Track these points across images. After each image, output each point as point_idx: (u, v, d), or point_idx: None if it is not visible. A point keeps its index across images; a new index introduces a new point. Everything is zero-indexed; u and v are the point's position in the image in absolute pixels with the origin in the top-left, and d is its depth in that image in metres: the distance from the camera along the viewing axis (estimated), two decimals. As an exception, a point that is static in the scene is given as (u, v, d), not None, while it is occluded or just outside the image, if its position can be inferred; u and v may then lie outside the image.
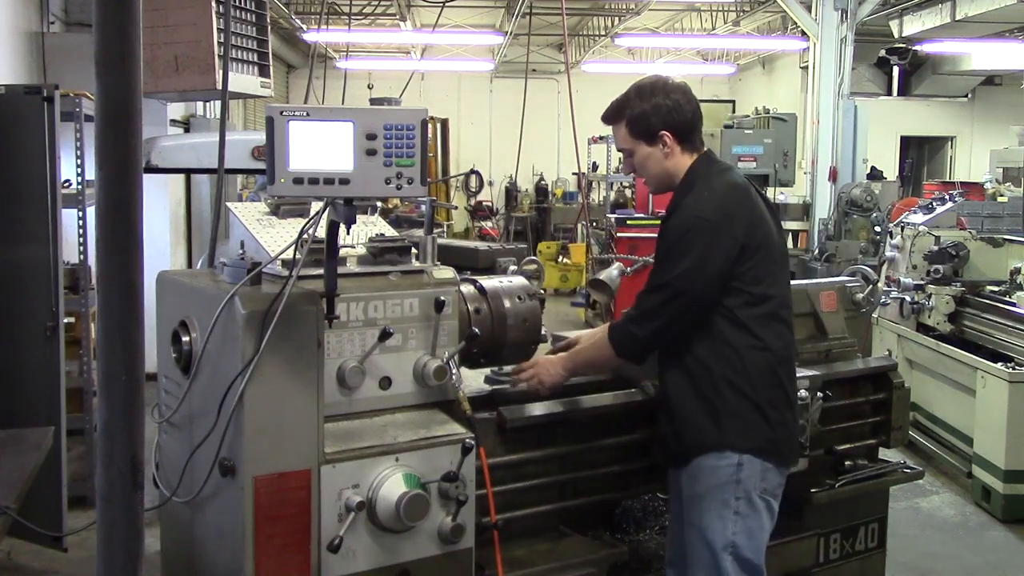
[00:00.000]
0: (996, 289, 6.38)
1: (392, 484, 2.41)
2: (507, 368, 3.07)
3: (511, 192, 19.15)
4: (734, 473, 2.68)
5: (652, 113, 2.78)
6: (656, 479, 3.14)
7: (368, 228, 2.83)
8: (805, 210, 11.09)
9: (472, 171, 18.02)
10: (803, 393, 3.10)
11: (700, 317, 2.71)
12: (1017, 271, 6.33)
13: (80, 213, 4.85)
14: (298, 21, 13.87)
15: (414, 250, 2.72)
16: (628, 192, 14.92)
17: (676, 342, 2.76)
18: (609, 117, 2.88)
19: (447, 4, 10.17)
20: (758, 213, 2.79)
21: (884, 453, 3.91)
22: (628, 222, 10.06)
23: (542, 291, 3.07)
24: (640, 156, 2.84)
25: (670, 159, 2.82)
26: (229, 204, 2.98)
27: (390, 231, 2.90)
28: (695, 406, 2.73)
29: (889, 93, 16.37)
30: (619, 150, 2.93)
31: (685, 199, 2.76)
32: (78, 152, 4.98)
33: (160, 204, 7.67)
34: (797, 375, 3.17)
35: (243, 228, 2.78)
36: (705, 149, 2.88)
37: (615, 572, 3.02)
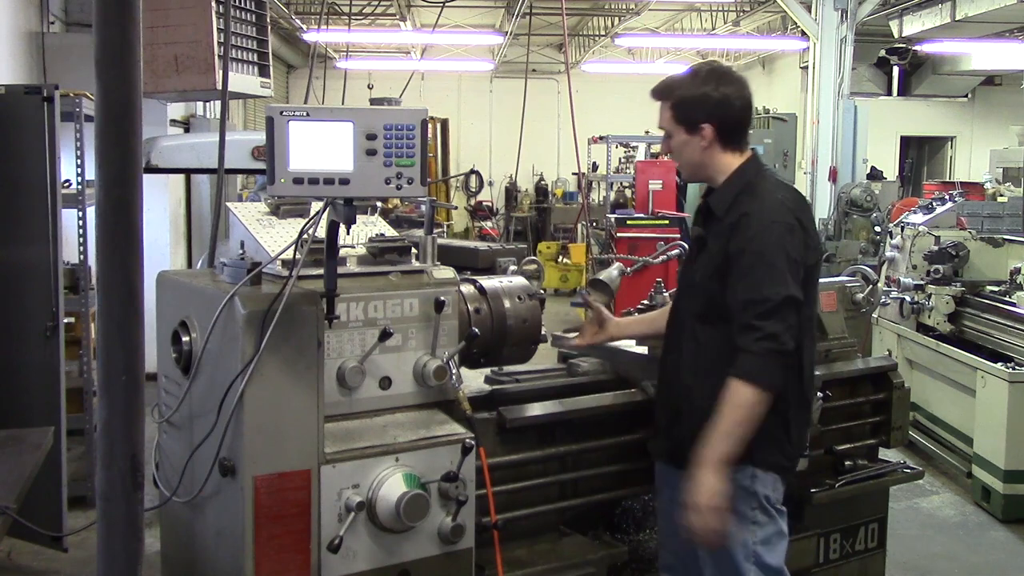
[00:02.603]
0: (996, 289, 6.38)
1: (392, 484, 2.41)
2: (507, 368, 3.08)
3: (511, 192, 19.16)
4: (750, 484, 2.65)
5: (698, 102, 2.70)
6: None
7: (368, 228, 2.83)
8: (805, 210, 11.09)
9: (472, 171, 18.02)
10: (803, 393, 3.10)
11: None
12: (1017, 271, 6.32)
13: (80, 213, 4.84)
14: (298, 21, 13.87)
15: (414, 250, 2.72)
16: (628, 192, 14.92)
17: (721, 351, 2.64)
18: (657, 93, 2.78)
19: (447, 4, 10.16)
20: (815, 228, 2.81)
21: (884, 453, 3.91)
22: (628, 222, 10.05)
23: (542, 291, 3.07)
24: (677, 142, 2.76)
25: (707, 153, 2.74)
26: (229, 204, 2.98)
27: (390, 231, 2.90)
28: None
29: (889, 93, 16.38)
30: (660, 127, 2.81)
31: (752, 206, 2.65)
32: (78, 152, 4.97)
33: (160, 204, 7.67)
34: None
35: (243, 228, 2.78)
36: (751, 150, 2.81)
37: (615, 572, 3.02)
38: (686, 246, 3.35)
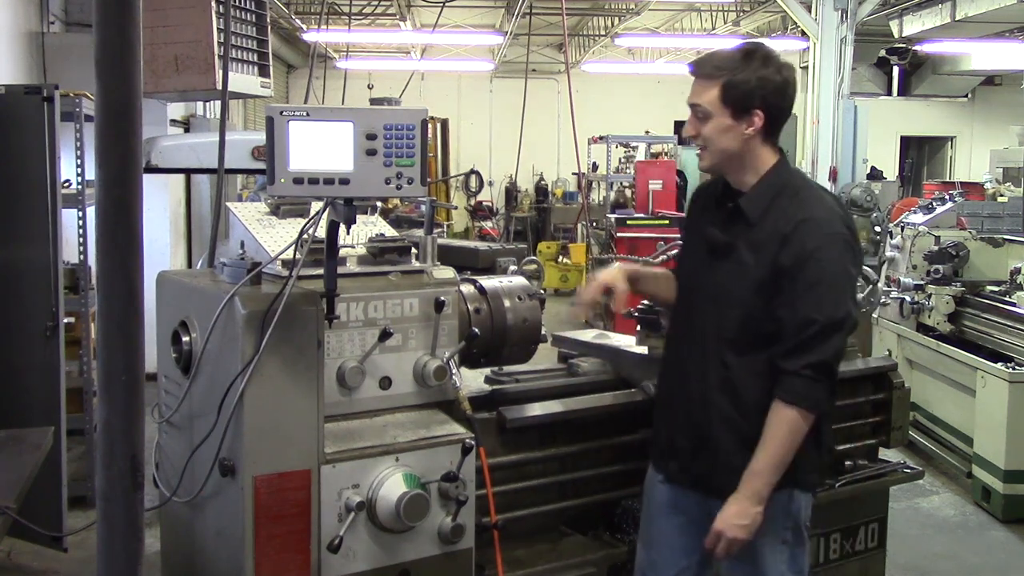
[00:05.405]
0: (996, 289, 6.38)
1: (392, 484, 2.41)
2: (507, 368, 3.07)
3: (511, 192, 19.15)
4: (786, 505, 2.55)
5: (757, 85, 2.44)
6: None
7: (368, 228, 2.83)
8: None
9: (472, 171, 18.02)
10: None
11: None
12: (1017, 271, 6.33)
13: (80, 213, 4.85)
14: (298, 21, 13.87)
15: (414, 250, 2.72)
16: (628, 192, 14.92)
17: (751, 380, 2.50)
18: (706, 68, 2.50)
19: (447, 4, 10.17)
20: (858, 237, 2.62)
21: (884, 453, 3.91)
22: (628, 222, 10.05)
23: (542, 291, 3.07)
24: (719, 125, 2.47)
25: (748, 143, 2.49)
26: (229, 204, 2.98)
27: (390, 231, 2.90)
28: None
29: (889, 93, 16.40)
30: (691, 105, 2.51)
31: (806, 212, 2.45)
32: (78, 152, 4.97)
33: (160, 204, 7.67)
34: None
35: (243, 228, 2.78)
36: (781, 149, 2.60)
37: (615, 572, 3.01)
38: None
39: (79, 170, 4.99)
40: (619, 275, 2.75)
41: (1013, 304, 6.01)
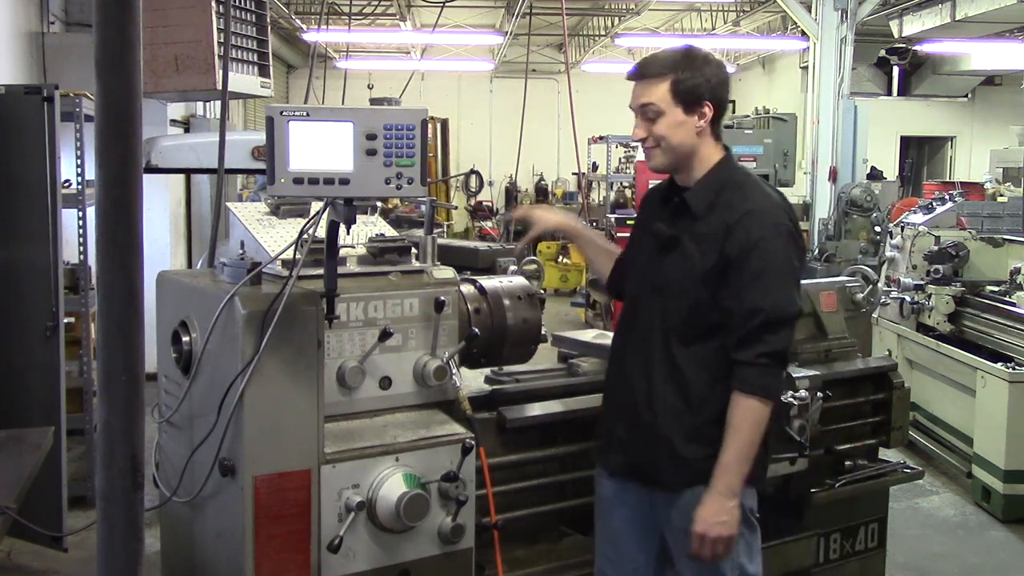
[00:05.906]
0: (996, 289, 6.38)
1: (392, 484, 2.41)
2: (507, 368, 3.07)
3: (511, 192, 19.16)
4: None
5: (703, 81, 2.53)
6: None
7: (368, 228, 2.83)
8: (805, 210, 11.09)
9: (472, 171, 18.00)
10: (803, 393, 3.10)
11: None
12: (1017, 271, 6.32)
13: (80, 213, 4.85)
14: (298, 21, 13.88)
15: (414, 250, 2.72)
16: (628, 192, 14.92)
17: (698, 372, 2.53)
18: (649, 70, 2.56)
19: (447, 4, 10.16)
20: (801, 234, 2.68)
21: (884, 453, 3.92)
22: (628, 222, 10.03)
23: (542, 291, 3.07)
24: (671, 121, 2.53)
25: (699, 136, 2.57)
26: (229, 204, 2.99)
27: (390, 231, 2.91)
28: (714, 437, 2.49)
29: (889, 93, 16.40)
30: (642, 106, 2.57)
31: (750, 205, 2.51)
32: (78, 152, 4.97)
33: (160, 204, 7.67)
34: (798, 375, 3.18)
35: (243, 228, 2.78)
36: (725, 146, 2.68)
37: (615, 572, 3.01)
38: None
39: (79, 170, 4.99)
40: (557, 217, 3.02)
41: (1013, 304, 6.01)
